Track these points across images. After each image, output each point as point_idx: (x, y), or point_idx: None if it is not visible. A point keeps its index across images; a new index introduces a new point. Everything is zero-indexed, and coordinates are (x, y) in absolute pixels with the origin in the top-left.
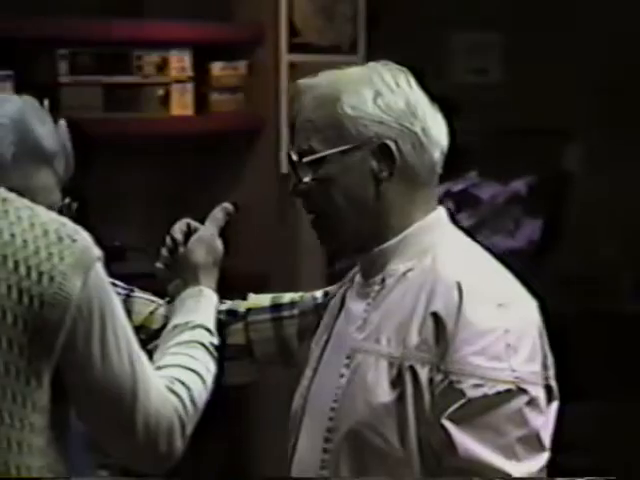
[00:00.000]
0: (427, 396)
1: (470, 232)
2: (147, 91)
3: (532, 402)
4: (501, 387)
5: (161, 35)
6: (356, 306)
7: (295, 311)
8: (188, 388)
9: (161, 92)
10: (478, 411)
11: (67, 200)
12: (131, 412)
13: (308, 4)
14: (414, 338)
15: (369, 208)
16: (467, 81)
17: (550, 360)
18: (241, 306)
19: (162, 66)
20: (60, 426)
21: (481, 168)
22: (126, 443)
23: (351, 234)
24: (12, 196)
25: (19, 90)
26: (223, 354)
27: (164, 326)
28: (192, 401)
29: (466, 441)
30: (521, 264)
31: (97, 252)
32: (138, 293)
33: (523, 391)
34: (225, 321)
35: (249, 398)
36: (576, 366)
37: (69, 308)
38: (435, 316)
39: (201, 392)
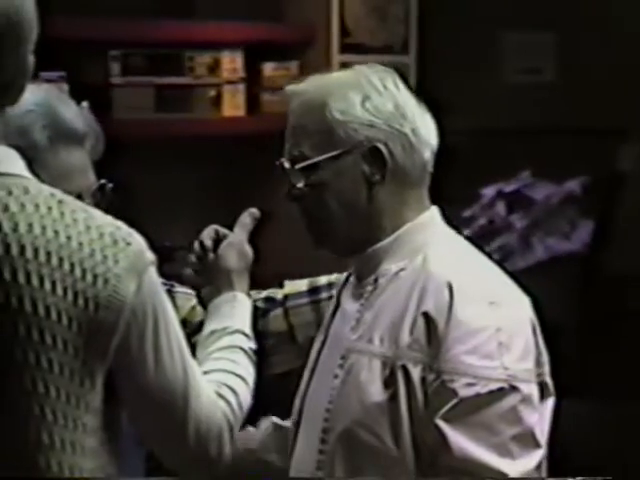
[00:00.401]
0: (420, 395)
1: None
2: (198, 92)
3: (525, 400)
4: (493, 385)
5: (213, 36)
6: (350, 306)
7: (333, 292)
8: (235, 393)
9: (213, 93)
10: (471, 410)
11: (102, 181)
12: (183, 417)
13: (360, 5)
14: (406, 337)
15: (362, 211)
16: (520, 81)
17: (545, 357)
18: (278, 293)
19: (214, 67)
20: (112, 428)
21: (534, 168)
22: (177, 448)
23: (344, 237)
24: (68, 198)
25: (72, 91)
26: (263, 343)
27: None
28: (239, 406)
29: (460, 440)
30: (574, 265)
31: (151, 256)
32: (179, 287)
33: (516, 389)
34: (264, 309)
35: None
36: (628, 366)
37: (123, 311)
38: (426, 316)
39: (246, 396)
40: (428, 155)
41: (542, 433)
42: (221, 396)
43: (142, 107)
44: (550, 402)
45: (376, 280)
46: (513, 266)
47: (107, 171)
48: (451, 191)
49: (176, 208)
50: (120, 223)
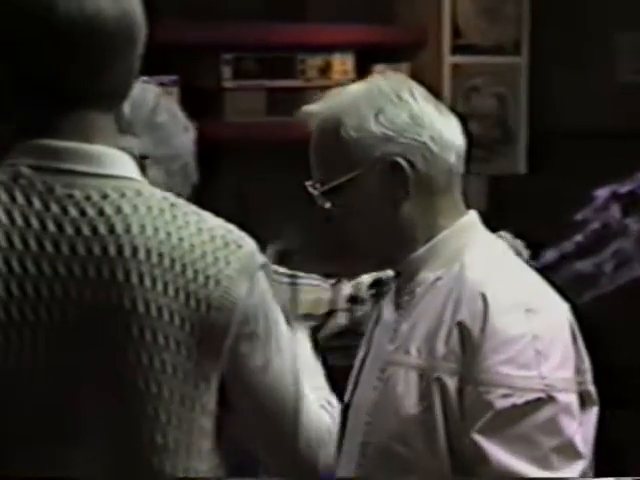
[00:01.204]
0: (455, 407)
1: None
2: (310, 94)
3: (564, 409)
4: (530, 396)
5: (324, 39)
6: (389, 317)
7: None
8: (333, 407)
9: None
10: (508, 422)
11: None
12: (294, 426)
13: (471, 5)
14: (441, 348)
15: (391, 228)
16: (633, 80)
17: (587, 364)
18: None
19: (325, 69)
20: (222, 430)
21: None
22: (286, 457)
23: (378, 254)
24: (180, 201)
25: (184, 94)
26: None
27: (330, 312)
28: (335, 420)
29: (499, 454)
30: None
31: (262, 259)
32: (303, 279)
33: (553, 399)
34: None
35: None
36: None
37: (235, 312)
38: (461, 325)
39: (338, 411)
40: (453, 159)
41: (584, 443)
42: (325, 410)
43: (254, 110)
44: (594, 411)
45: (413, 290)
46: (630, 272)
47: (219, 173)
48: (562, 193)
49: (286, 210)
50: (231, 226)
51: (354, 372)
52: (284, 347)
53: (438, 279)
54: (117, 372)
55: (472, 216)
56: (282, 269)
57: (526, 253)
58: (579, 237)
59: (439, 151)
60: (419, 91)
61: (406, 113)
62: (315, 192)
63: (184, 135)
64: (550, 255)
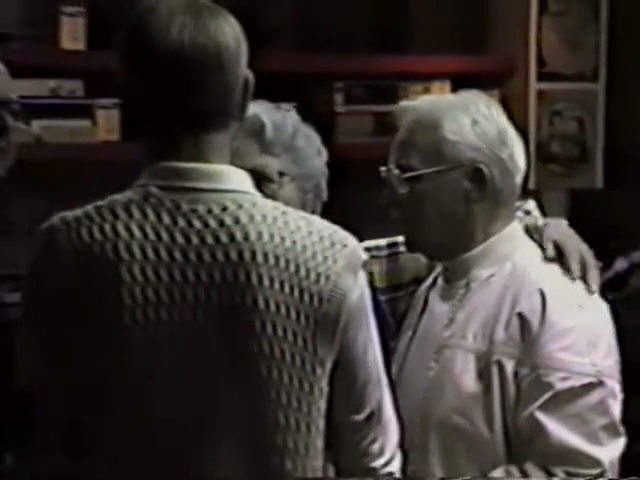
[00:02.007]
0: (512, 387)
1: None
2: None
3: (611, 393)
4: (585, 380)
5: (424, 68)
6: (440, 307)
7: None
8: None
9: None
10: (565, 401)
11: None
12: (376, 421)
13: (555, 37)
14: (501, 335)
15: (456, 222)
16: None
17: (617, 356)
18: None
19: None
20: None
21: None
22: (360, 444)
23: (437, 243)
24: (290, 209)
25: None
26: None
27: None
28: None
29: (557, 429)
30: None
31: (364, 255)
32: (401, 247)
33: (602, 383)
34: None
35: None
36: None
37: (344, 303)
38: (521, 316)
39: None
40: (518, 180)
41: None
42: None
43: (361, 132)
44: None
45: (467, 284)
46: None
47: (330, 189)
48: (635, 206)
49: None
50: (337, 227)
51: (399, 354)
52: (375, 342)
53: (491, 276)
54: (242, 363)
55: (515, 225)
56: (380, 242)
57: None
58: None
59: (512, 170)
60: (502, 113)
61: (495, 129)
62: (396, 176)
63: (317, 158)
64: (620, 264)
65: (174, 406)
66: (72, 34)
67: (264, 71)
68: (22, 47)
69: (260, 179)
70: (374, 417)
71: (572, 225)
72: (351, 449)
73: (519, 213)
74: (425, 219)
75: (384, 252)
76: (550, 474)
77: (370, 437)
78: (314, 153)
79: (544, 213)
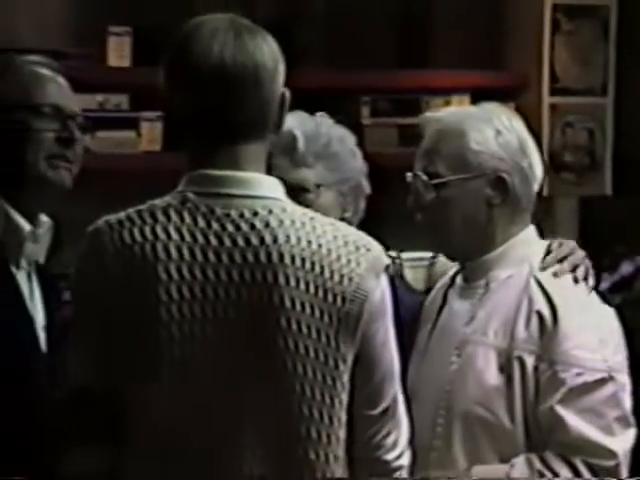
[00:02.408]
0: (532, 380)
1: None
2: None
3: (621, 387)
4: (598, 375)
5: (444, 83)
6: (460, 305)
7: None
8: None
9: None
10: (581, 395)
11: None
12: (392, 415)
13: (567, 54)
14: (521, 332)
15: (478, 226)
16: None
17: (625, 352)
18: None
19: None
20: None
21: None
22: (369, 443)
23: (459, 245)
24: (318, 215)
25: None
26: None
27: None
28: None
29: (575, 421)
30: None
31: (386, 260)
32: (405, 255)
33: (613, 378)
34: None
35: None
36: None
37: (365, 303)
38: (539, 314)
39: None
40: (536, 187)
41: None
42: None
43: (387, 142)
44: None
45: (487, 284)
46: None
47: None
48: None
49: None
50: (361, 233)
51: (418, 350)
52: (392, 341)
53: (509, 277)
54: (269, 357)
55: (531, 229)
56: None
57: None
58: None
59: (530, 178)
60: (522, 125)
61: (516, 140)
62: (423, 182)
63: (353, 160)
64: (626, 268)
65: (207, 396)
66: (118, 52)
67: (297, 87)
68: (73, 64)
69: (298, 190)
70: (389, 412)
71: (582, 230)
72: (366, 441)
73: None
74: (449, 223)
75: (426, 262)
76: (569, 463)
77: (384, 430)
78: (349, 155)
79: (556, 219)
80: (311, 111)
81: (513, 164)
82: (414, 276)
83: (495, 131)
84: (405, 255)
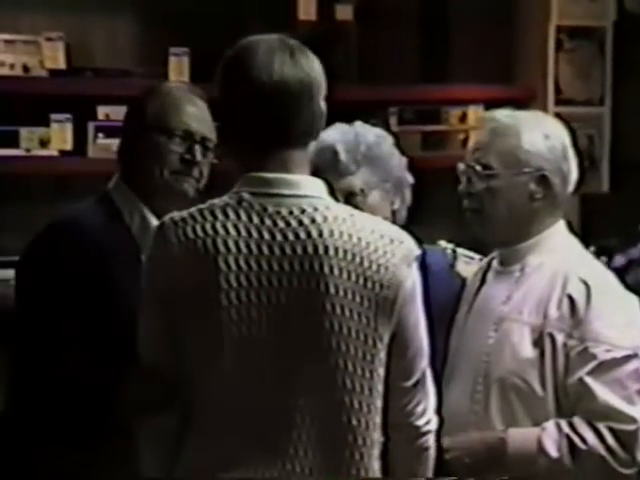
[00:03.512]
0: (562, 355)
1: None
2: (452, 136)
3: None
4: (625, 352)
5: (461, 95)
6: (497, 286)
7: None
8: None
9: (462, 136)
10: (609, 369)
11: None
12: (421, 388)
13: (569, 70)
14: (554, 312)
15: (519, 216)
16: None
17: None
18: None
19: (463, 118)
20: None
21: None
22: (402, 413)
23: (500, 231)
24: (357, 211)
25: None
26: None
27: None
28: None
29: (603, 392)
30: None
31: (417, 251)
32: (460, 250)
33: (637, 355)
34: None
35: None
36: None
37: (400, 289)
38: (570, 297)
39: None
40: (570, 190)
41: None
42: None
43: (412, 148)
44: None
45: (522, 269)
46: None
47: None
48: (636, 208)
49: (440, 222)
50: (396, 227)
51: (458, 326)
52: (422, 313)
53: (542, 263)
54: (317, 337)
55: (562, 222)
56: (445, 243)
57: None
58: None
59: (568, 179)
60: (565, 132)
61: (561, 145)
62: (476, 172)
63: (392, 158)
64: (618, 260)
65: (263, 372)
66: (178, 70)
67: (335, 100)
68: (138, 82)
69: (347, 195)
70: (419, 384)
71: (583, 223)
72: (399, 409)
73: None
74: (494, 210)
75: (476, 259)
76: (594, 428)
77: (415, 400)
78: (388, 155)
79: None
80: (347, 121)
81: (556, 165)
82: (464, 268)
83: (544, 135)
84: (460, 250)
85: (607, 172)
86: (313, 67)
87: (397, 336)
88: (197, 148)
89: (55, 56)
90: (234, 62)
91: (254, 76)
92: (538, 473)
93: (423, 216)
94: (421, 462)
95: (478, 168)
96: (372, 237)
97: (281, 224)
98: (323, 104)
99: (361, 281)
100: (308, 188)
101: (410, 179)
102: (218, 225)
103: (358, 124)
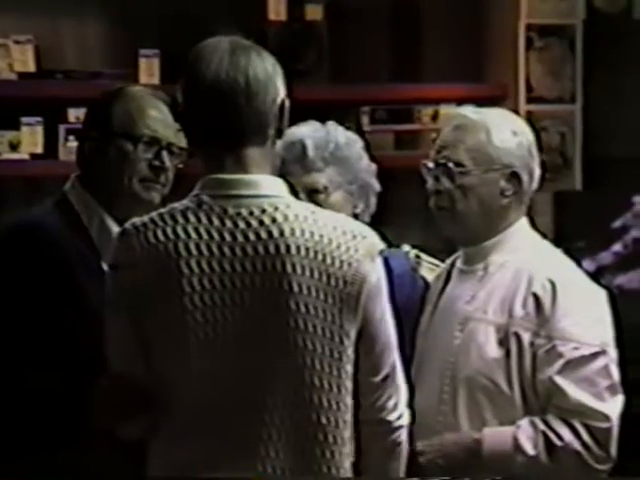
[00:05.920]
0: (528, 354)
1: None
2: (424, 135)
3: (612, 360)
4: (593, 349)
5: (434, 94)
6: (461, 286)
7: None
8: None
9: (434, 135)
10: (577, 367)
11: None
12: (391, 382)
13: (540, 68)
14: (519, 311)
15: (490, 214)
16: None
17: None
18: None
19: (434, 116)
20: None
21: None
22: (379, 393)
23: (470, 229)
24: (318, 209)
25: None
26: None
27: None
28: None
29: (573, 390)
30: None
31: (380, 245)
32: (424, 256)
33: (605, 352)
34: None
35: None
36: None
37: (364, 284)
38: (535, 296)
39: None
40: (535, 186)
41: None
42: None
43: (384, 147)
44: None
45: (486, 267)
46: None
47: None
48: (609, 204)
49: (414, 221)
50: (358, 222)
51: (422, 326)
52: (388, 308)
53: (506, 261)
54: (282, 336)
55: (524, 220)
56: (407, 247)
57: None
58: (618, 245)
59: (534, 176)
60: (530, 130)
61: (527, 142)
62: (445, 170)
63: (360, 162)
64: (587, 266)
65: (229, 372)
66: (148, 72)
67: (307, 100)
68: (108, 83)
69: (310, 192)
70: (389, 378)
71: (556, 221)
72: (370, 405)
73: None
74: (466, 208)
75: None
76: (569, 424)
77: (386, 395)
78: (356, 158)
79: (532, 212)
80: (320, 120)
81: (524, 162)
82: (427, 274)
83: (512, 131)
84: (424, 256)
85: (580, 170)
86: (254, 65)
87: (364, 331)
88: (164, 154)
89: (24, 59)
90: (186, 64)
91: (195, 77)
92: (515, 472)
93: (396, 216)
94: (395, 457)
95: (450, 165)
96: (334, 234)
97: (242, 225)
98: (278, 101)
99: (324, 278)
100: (268, 187)
101: (377, 186)
102: (179, 229)
103: (331, 123)
